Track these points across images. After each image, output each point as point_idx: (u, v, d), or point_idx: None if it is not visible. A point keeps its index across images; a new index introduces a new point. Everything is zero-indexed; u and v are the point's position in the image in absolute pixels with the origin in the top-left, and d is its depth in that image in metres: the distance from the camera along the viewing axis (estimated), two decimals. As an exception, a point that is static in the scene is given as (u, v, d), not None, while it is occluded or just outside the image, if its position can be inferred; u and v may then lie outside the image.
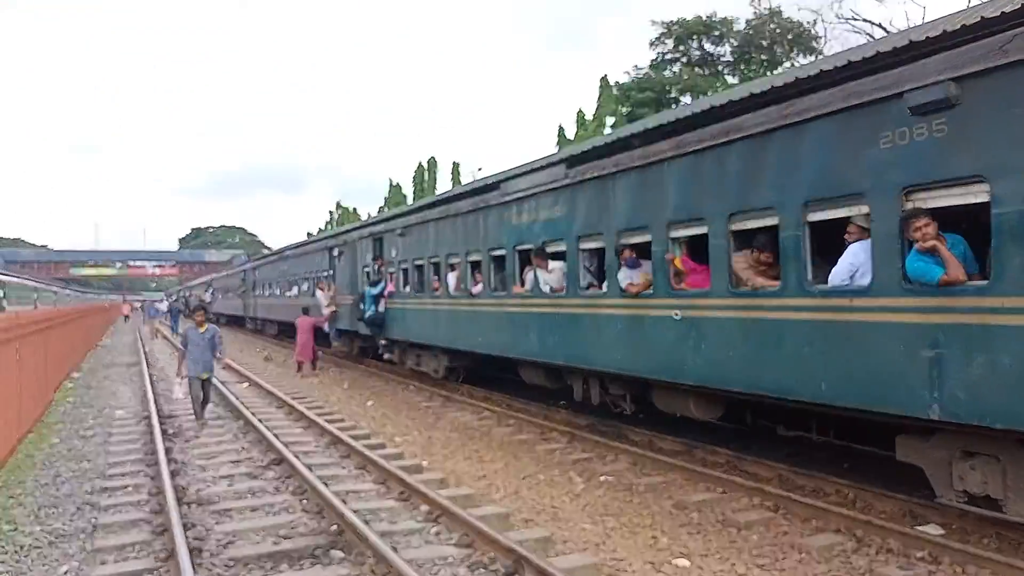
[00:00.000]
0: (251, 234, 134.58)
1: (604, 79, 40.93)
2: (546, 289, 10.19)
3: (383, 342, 17.24)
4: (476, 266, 12.56)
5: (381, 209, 60.47)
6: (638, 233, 8.44)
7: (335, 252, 21.41)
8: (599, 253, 9.47)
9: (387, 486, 7.93)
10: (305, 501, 7.42)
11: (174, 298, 61.88)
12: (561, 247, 9.93)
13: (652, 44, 42.27)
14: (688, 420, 9.28)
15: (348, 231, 24.31)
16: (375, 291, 16.76)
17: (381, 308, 16.62)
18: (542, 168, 10.92)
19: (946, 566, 5.56)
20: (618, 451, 9.39)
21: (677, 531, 6.58)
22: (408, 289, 15.66)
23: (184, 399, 12.10)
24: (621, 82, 41.35)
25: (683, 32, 40.65)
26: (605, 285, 9.09)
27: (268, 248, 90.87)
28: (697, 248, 7.83)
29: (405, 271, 15.91)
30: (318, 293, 21.39)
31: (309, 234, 74.85)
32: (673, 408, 8.67)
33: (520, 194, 10.90)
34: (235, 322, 43.03)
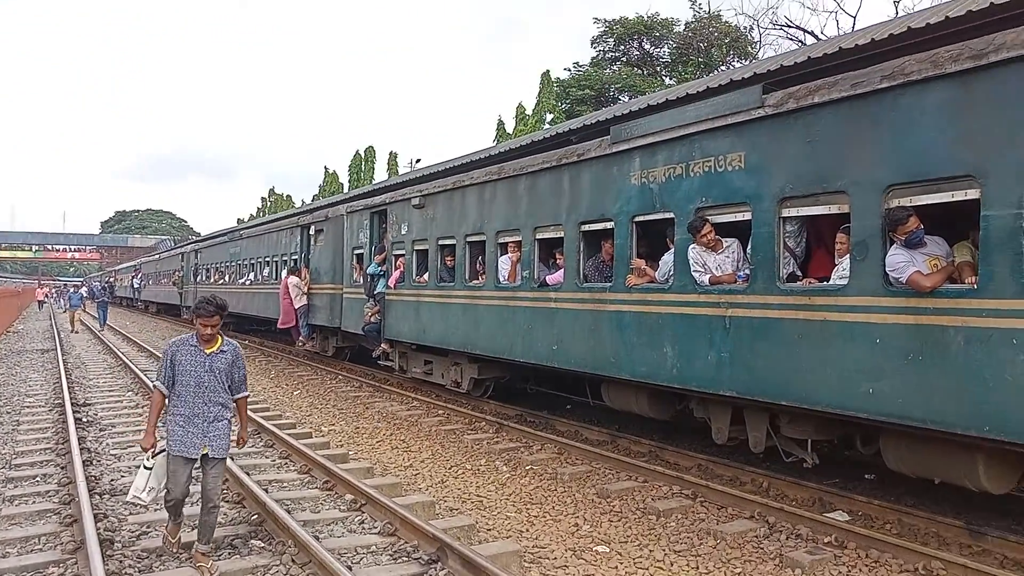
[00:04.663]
0: (180, 219, 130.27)
1: (545, 75, 41.06)
2: (703, 280, 7.07)
3: (384, 346, 13.83)
4: (550, 246, 9.56)
5: (315, 197, 59.21)
6: (940, 187, 5.25)
7: (311, 230, 18.14)
8: (819, 225, 6.62)
9: (312, 475, 7.83)
10: (225, 491, 7.24)
11: (99, 284, 57.32)
12: (736, 216, 6.83)
13: (593, 42, 42.69)
14: (614, 411, 9.41)
15: (331, 204, 21.06)
16: (378, 269, 13.85)
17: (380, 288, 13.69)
18: (705, 95, 7.74)
19: (851, 550, 5.82)
20: (545, 441, 9.49)
21: (599, 519, 6.70)
22: (426, 278, 12.27)
23: (150, 502, 5.58)
24: (561, 78, 41.62)
25: (624, 31, 41.14)
26: (840, 275, 5.97)
27: (197, 233, 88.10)
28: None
29: (422, 254, 12.52)
30: (291, 279, 17.79)
31: (240, 220, 72.82)
32: (939, 472, 5.84)
33: (654, 138, 7.58)
34: (169, 312, 40.83)
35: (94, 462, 8.29)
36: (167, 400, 5.44)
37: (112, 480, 7.56)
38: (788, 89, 6.45)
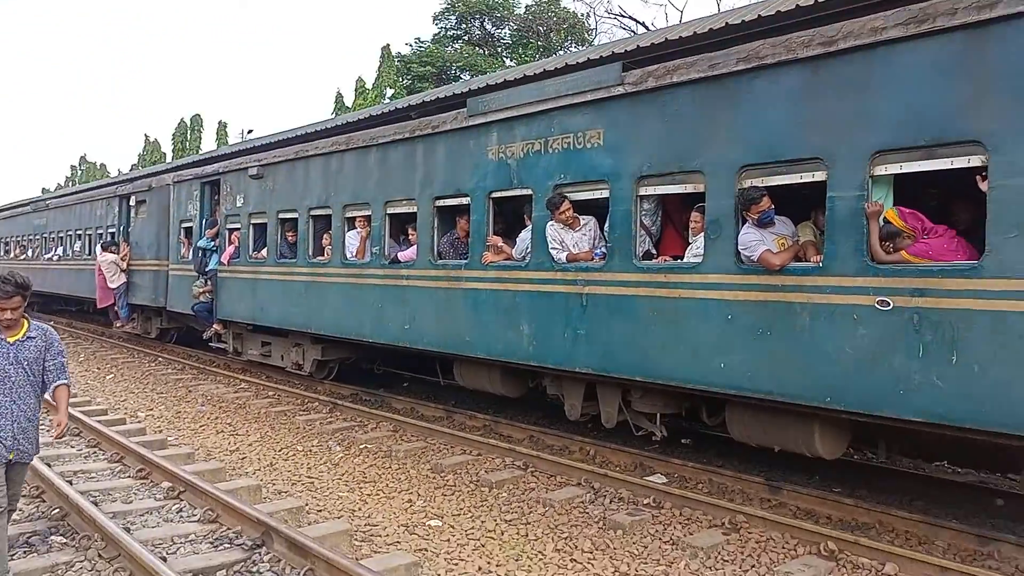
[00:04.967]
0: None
1: (386, 49, 40.34)
2: (560, 257, 7.02)
3: (216, 326, 12.90)
4: (402, 222, 9.22)
5: (135, 167, 54.60)
6: (791, 169, 5.46)
7: (132, 201, 16.61)
8: (669, 203, 6.78)
9: (124, 464, 7.27)
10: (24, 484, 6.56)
11: None
12: (594, 193, 6.83)
13: (435, 19, 42.33)
14: (453, 387, 9.47)
15: (155, 173, 19.37)
16: (209, 244, 12.80)
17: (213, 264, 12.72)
18: (562, 71, 7.63)
19: (667, 510, 6.24)
20: (380, 419, 9.40)
21: (432, 493, 6.73)
22: (264, 253, 11.52)
23: None
24: (403, 53, 41.01)
25: (466, 10, 41.09)
26: (695, 253, 6.16)
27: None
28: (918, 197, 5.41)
29: (260, 228, 11.75)
30: (106, 257, 16.14)
31: (45, 190, 65.78)
32: (779, 441, 6.09)
33: (512, 112, 7.44)
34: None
35: None
36: None
37: None
38: (647, 68, 6.45)
